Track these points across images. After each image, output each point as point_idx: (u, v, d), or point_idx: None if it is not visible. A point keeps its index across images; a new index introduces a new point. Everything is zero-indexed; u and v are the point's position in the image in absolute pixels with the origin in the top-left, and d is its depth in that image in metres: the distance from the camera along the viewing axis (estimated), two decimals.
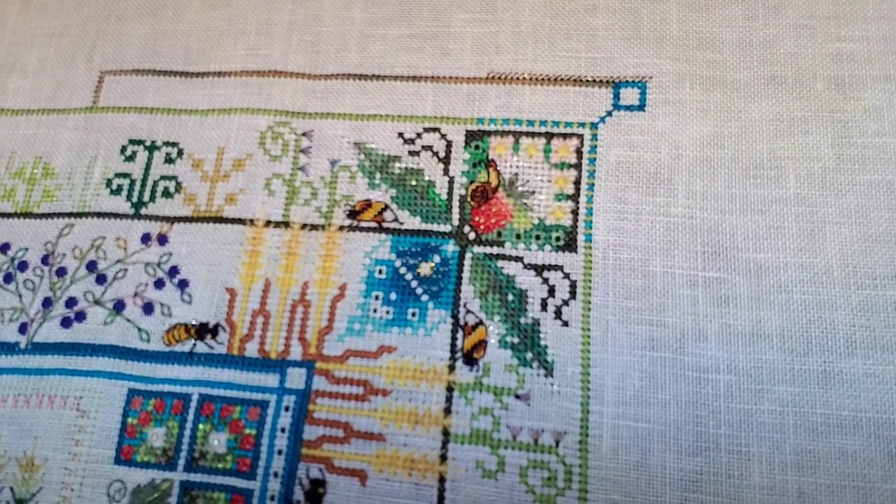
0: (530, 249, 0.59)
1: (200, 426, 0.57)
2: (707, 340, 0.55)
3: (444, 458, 0.55)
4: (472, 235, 0.60)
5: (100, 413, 0.59)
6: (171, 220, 0.64)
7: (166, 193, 0.65)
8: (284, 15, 0.69)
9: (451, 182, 0.62)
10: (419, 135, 0.64)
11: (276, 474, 0.56)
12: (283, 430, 0.57)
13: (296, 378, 0.58)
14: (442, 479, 0.54)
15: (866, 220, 0.57)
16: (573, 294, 0.58)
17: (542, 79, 0.64)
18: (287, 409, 0.57)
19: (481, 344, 0.57)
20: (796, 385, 0.53)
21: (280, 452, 0.56)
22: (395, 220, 0.61)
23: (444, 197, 0.62)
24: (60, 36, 0.72)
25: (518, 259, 0.59)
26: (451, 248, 0.60)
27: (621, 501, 0.52)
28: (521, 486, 0.53)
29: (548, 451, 0.54)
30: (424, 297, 0.59)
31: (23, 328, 0.62)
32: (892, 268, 0.55)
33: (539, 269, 0.59)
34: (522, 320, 0.57)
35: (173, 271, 0.62)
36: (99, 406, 0.59)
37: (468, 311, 0.58)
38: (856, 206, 0.57)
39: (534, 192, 0.61)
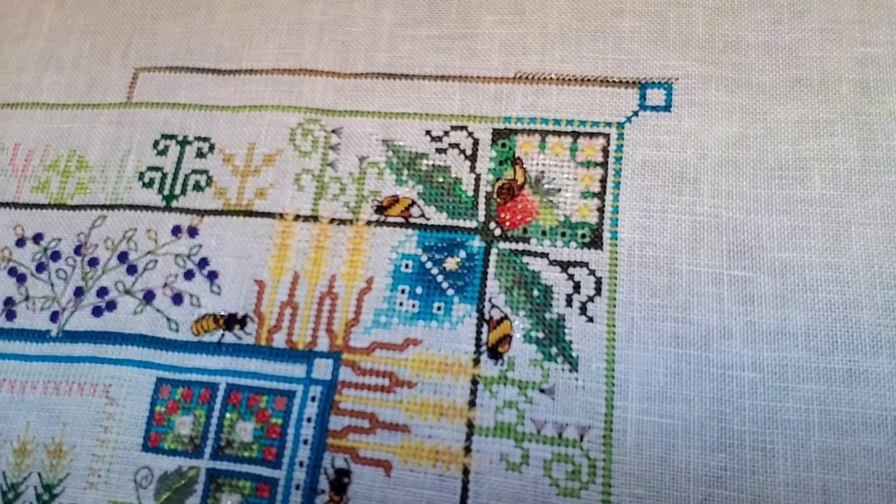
0: (556, 246, 0.60)
1: (227, 415, 0.58)
2: (732, 338, 0.55)
3: (468, 450, 0.55)
4: (497, 232, 0.61)
5: (128, 401, 0.60)
6: (202, 212, 0.65)
7: (197, 187, 0.66)
8: (316, 15, 0.71)
9: (477, 179, 0.63)
10: (446, 133, 0.65)
11: (301, 464, 0.56)
12: (308, 420, 0.57)
13: (322, 369, 0.59)
14: (466, 471, 0.54)
15: (892, 221, 0.57)
16: (598, 290, 0.58)
17: (569, 79, 0.65)
18: (313, 399, 0.58)
19: (506, 338, 0.58)
20: (821, 383, 0.54)
21: (306, 442, 0.57)
22: (422, 215, 0.62)
23: (471, 193, 0.62)
24: (96, 33, 0.74)
25: (543, 255, 0.60)
26: (476, 243, 0.61)
27: (645, 496, 0.52)
28: (545, 480, 0.54)
29: (572, 444, 0.54)
30: (450, 292, 0.60)
31: (54, 317, 0.63)
32: None
33: (564, 266, 0.59)
34: (547, 315, 0.58)
35: (203, 263, 0.63)
36: (127, 394, 0.60)
37: (493, 306, 0.59)
38: (881, 207, 0.57)
39: (560, 190, 0.61)
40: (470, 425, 0.56)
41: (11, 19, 0.76)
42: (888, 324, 0.54)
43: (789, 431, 0.53)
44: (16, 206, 0.68)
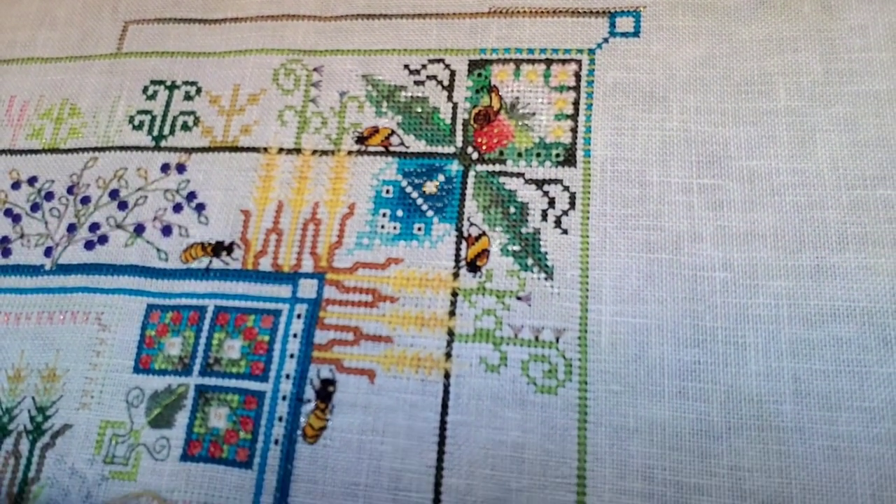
0: (531, 166, 0.62)
1: (216, 335, 0.60)
2: (702, 241, 0.57)
3: (448, 355, 0.56)
4: (475, 155, 0.63)
5: (120, 326, 0.61)
6: (190, 150, 0.67)
7: (185, 127, 0.68)
8: None
9: (454, 107, 0.65)
10: (424, 66, 0.67)
11: (287, 376, 0.58)
12: (295, 336, 0.59)
13: (307, 288, 0.60)
14: (447, 375, 0.56)
15: (855, 126, 0.59)
16: (572, 205, 0.60)
17: (542, 11, 0.67)
18: (299, 316, 0.59)
19: (484, 253, 0.59)
20: (790, 279, 0.55)
21: (292, 356, 0.58)
22: (402, 143, 0.64)
23: (448, 121, 0.64)
24: None
25: (519, 175, 0.62)
26: (454, 167, 0.63)
27: (621, 391, 0.54)
28: (523, 379, 0.55)
29: (548, 346, 0.56)
30: (430, 213, 0.62)
31: (48, 251, 0.65)
32: (882, 169, 0.57)
33: (539, 184, 0.61)
34: (524, 230, 0.60)
35: (191, 196, 0.65)
36: (119, 320, 0.62)
37: (472, 224, 0.61)
38: (844, 114, 0.59)
39: (534, 114, 0.63)
40: (450, 333, 0.57)
41: None
42: (854, 221, 0.56)
43: (760, 325, 0.54)
44: (11, 152, 0.70)
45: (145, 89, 0.70)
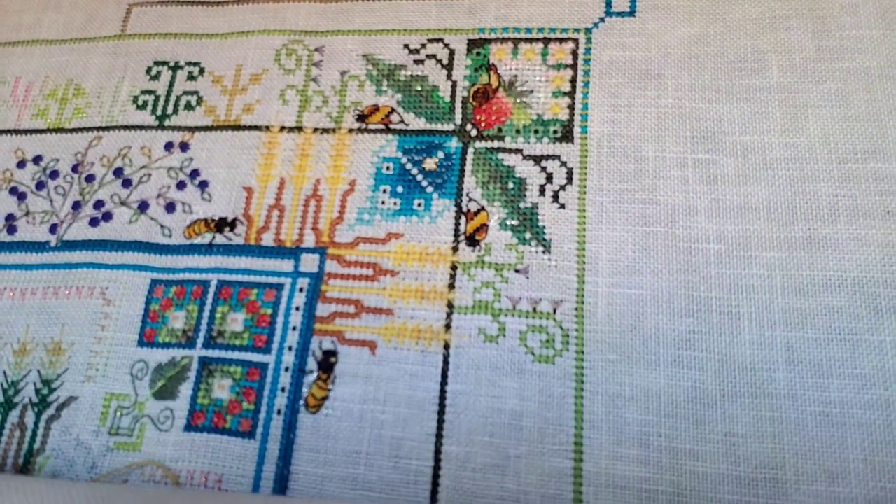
0: (529, 142, 0.63)
1: (219, 308, 0.61)
2: (697, 214, 0.58)
3: (448, 327, 0.57)
4: (473, 132, 0.64)
5: (124, 301, 0.62)
6: (193, 129, 0.68)
7: (188, 106, 0.69)
8: None
9: (453, 86, 0.66)
10: (423, 45, 0.68)
11: (290, 348, 0.59)
12: (297, 309, 0.60)
13: (309, 263, 0.61)
14: (447, 346, 0.57)
15: (846, 102, 0.60)
16: (570, 180, 0.61)
17: None
18: (301, 290, 0.60)
19: (483, 227, 0.60)
20: (783, 251, 0.56)
21: (294, 328, 0.59)
22: (402, 121, 0.65)
23: (448, 99, 0.65)
24: None
25: (517, 151, 0.63)
26: (454, 144, 0.64)
27: (617, 360, 0.55)
28: (521, 349, 0.56)
29: (546, 317, 0.57)
30: (429, 189, 0.63)
31: (53, 228, 0.66)
32: (872, 143, 0.58)
33: (537, 159, 0.62)
34: (522, 205, 0.61)
35: (194, 174, 0.66)
36: (123, 295, 0.63)
37: (471, 200, 0.62)
38: (836, 90, 0.60)
39: (532, 91, 0.64)
40: (450, 305, 0.58)
41: None
42: (844, 193, 0.57)
43: (753, 295, 0.55)
44: (16, 132, 0.71)
45: (149, 70, 0.71)
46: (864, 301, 0.54)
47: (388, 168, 0.64)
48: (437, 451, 0.54)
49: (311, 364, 0.58)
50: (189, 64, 0.71)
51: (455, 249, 0.60)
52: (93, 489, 0.50)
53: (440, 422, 0.55)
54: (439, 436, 0.55)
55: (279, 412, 0.57)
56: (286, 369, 0.58)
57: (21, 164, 0.69)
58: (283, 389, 0.58)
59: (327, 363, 0.58)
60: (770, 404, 0.52)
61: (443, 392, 0.56)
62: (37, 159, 0.69)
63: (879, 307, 0.53)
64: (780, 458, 0.51)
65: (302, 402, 0.57)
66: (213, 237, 0.63)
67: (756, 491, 0.50)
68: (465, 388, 0.56)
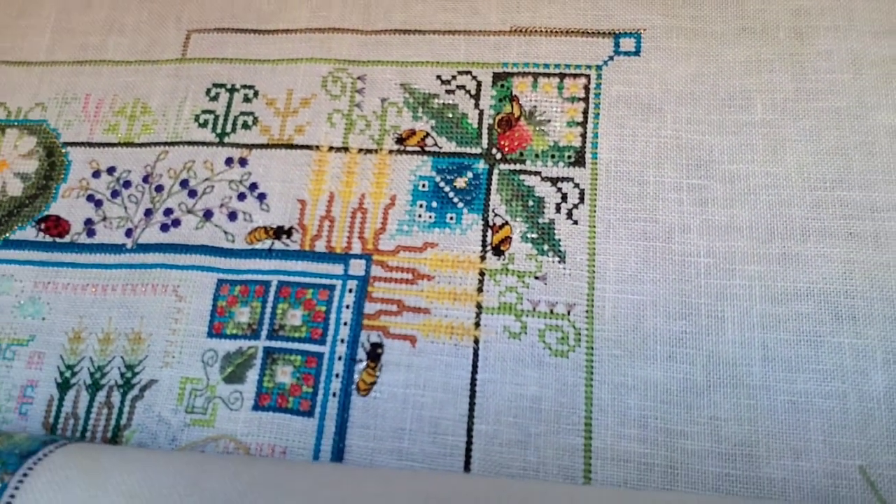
0: (547, 166, 0.73)
1: (279, 305, 0.71)
2: (690, 232, 0.68)
3: (477, 324, 0.68)
4: (498, 156, 0.74)
5: (194, 298, 0.72)
6: (250, 146, 0.77)
7: (245, 126, 0.78)
8: None
9: (480, 114, 0.76)
10: (454, 77, 0.78)
11: (342, 340, 0.69)
12: (347, 307, 0.70)
13: (357, 267, 0.71)
14: (476, 341, 0.67)
15: (819, 137, 0.70)
16: (582, 199, 0.71)
17: (556, 31, 0.78)
18: (350, 290, 0.70)
19: (507, 239, 0.71)
20: (762, 265, 0.67)
21: (345, 323, 0.69)
22: (435, 144, 0.75)
23: (476, 126, 0.75)
24: (152, 2, 0.86)
25: (537, 173, 0.73)
26: (481, 165, 0.74)
27: (621, 355, 0.65)
28: (540, 344, 0.66)
29: (561, 317, 0.67)
30: (460, 205, 0.73)
31: (128, 233, 0.75)
32: (839, 174, 0.69)
33: (554, 181, 0.72)
34: (540, 220, 0.71)
35: (253, 187, 0.76)
36: (193, 292, 0.72)
37: (496, 215, 0.72)
38: (811, 127, 0.71)
39: (549, 121, 0.74)
40: (478, 306, 0.68)
41: None
42: (814, 217, 0.67)
43: (736, 302, 0.66)
44: (90, 145, 0.80)
45: (208, 91, 0.81)
46: (827, 309, 0.65)
47: (423, 185, 0.74)
48: (470, 429, 0.65)
49: (361, 354, 0.68)
50: (244, 87, 0.80)
51: (483, 258, 0.70)
52: (188, 456, 0.60)
53: (471, 404, 0.65)
54: (471, 416, 0.65)
55: (334, 394, 0.67)
56: (339, 358, 0.68)
57: (96, 174, 0.79)
58: (337, 375, 0.68)
59: (375, 353, 0.68)
60: (748, 393, 0.63)
61: (473, 380, 0.66)
62: (110, 170, 0.78)
63: (840, 314, 0.64)
64: (754, 438, 0.62)
65: (354, 386, 0.67)
66: (272, 243, 0.73)
67: (735, 464, 0.61)
68: (493, 376, 0.66)
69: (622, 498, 0.56)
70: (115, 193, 0.77)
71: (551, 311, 0.67)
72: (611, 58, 0.76)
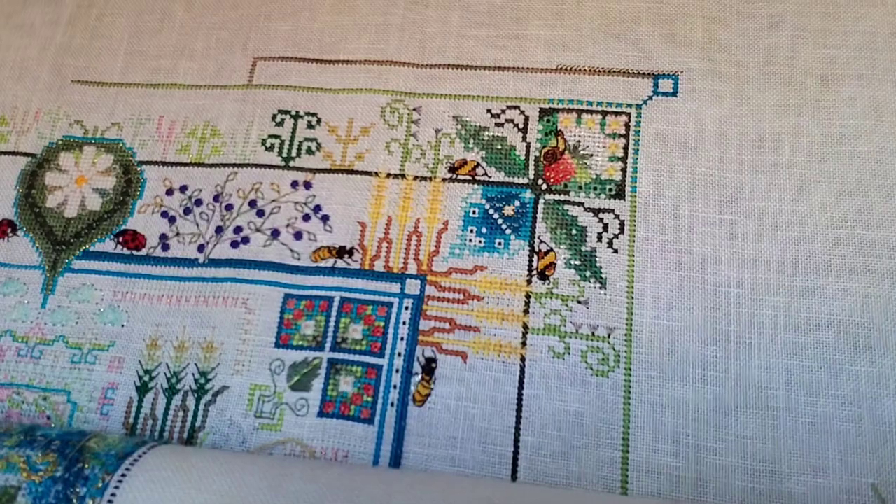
0: (589, 197, 0.79)
1: (342, 320, 0.77)
2: (721, 264, 0.75)
3: (524, 344, 0.74)
4: (544, 186, 0.80)
5: (262, 310, 0.79)
6: (314, 170, 0.84)
7: (309, 151, 0.85)
8: (397, 18, 0.90)
9: (528, 146, 0.82)
10: (503, 111, 0.84)
11: (399, 354, 0.75)
12: (404, 323, 0.76)
13: (413, 287, 0.78)
14: (523, 359, 0.74)
15: (841, 179, 0.76)
16: (622, 230, 0.77)
17: (599, 70, 0.84)
18: (407, 308, 0.77)
19: (551, 265, 0.77)
20: (786, 296, 0.73)
21: (402, 339, 0.76)
22: (485, 174, 0.81)
23: (523, 157, 0.82)
24: (220, 29, 0.93)
25: (580, 204, 0.79)
26: (528, 195, 0.80)
27: (657, 376, 0.72)
28: (582, 365, 0.73)
29: (602, 340, 0.73)
30: (508, 231, 0.79)
31: (201, 248, 0.82)
32: (860, 214, 0.75)
33: (596, 212, 0.78)
34: (583, 248, 0.77)
35: (317, 209, 0.82)
36: (262, 306, 0.79)
37: (541, 242, 0.78)
38: (834, 169, 0.77)
39: (592, 155, 0.81)
40: (525, 327, 0.75)
41: (147, 16, 0.95)
42: (836, 253, 0.74)
43: (762, 330, 0.72)
44: (163, 164, 0.86)
45: (274, 117, 0.87)
46: (846, 339, 0.71)
47: (474, 212, 0.80)
48: (517, 440, 0.71)
49: (417, 367, 0.74)
50: (308, 114, 0.87)
51: (529, 282, 0.77)
52: (268, 459, 0.67)
53: (518, 417, 0.72)
54: (517, 428, 0.72)
55: (392, 404, 0.74)
56: (396, 371, 0.75)
57: (169, 191, 0.85)
58: (395, 386, 0.74)
59: (429, 367, 0.74)
60: (772, 415, 0.69)
61: (520, 395, 0.73)
62: (182, 188, 0.85)
63: (857, 344, 0.71)
64: (777, 455, 0.68)
65: (410, 397, 0.74)
66: (335, 262, 0.79)
67: (759, 479, 0.67)
68: (538, 392, 0.72)
69: None
70: (187, 210, 0.84)
71: (593, 334, 0.74)
72: (650, 97, 0.82)
